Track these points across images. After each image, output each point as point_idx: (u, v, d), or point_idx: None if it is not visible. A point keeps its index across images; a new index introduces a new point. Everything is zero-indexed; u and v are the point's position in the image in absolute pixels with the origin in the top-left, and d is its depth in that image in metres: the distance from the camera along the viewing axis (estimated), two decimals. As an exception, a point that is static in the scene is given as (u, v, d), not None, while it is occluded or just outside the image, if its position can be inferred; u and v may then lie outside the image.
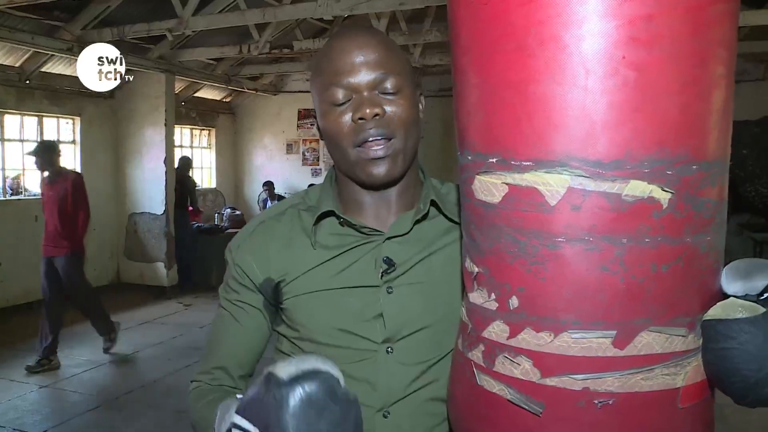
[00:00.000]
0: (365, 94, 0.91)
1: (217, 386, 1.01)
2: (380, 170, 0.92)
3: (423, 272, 0.96)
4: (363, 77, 0.91)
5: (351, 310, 0.95)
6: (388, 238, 0.96)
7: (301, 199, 1.04)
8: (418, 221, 0.97)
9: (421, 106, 0.99)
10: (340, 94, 0.91)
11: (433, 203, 0.99)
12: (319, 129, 0.98)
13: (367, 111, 0.89)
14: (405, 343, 0.94)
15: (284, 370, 0.69)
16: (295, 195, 1.08)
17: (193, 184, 8.58)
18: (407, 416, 0.94)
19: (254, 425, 0.69)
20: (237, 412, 0.72)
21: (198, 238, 8.33)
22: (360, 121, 0.90)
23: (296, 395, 0.67)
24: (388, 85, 0.91)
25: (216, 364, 1.03)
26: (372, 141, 0.90)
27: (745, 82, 7.62)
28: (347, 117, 0.91)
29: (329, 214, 0.98)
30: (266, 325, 1.02)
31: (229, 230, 8.51)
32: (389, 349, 0.94)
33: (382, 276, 0.95)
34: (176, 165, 8.19)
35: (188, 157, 8.82)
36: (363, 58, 0.91)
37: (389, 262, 0.95)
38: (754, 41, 7.00)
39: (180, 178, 8.15)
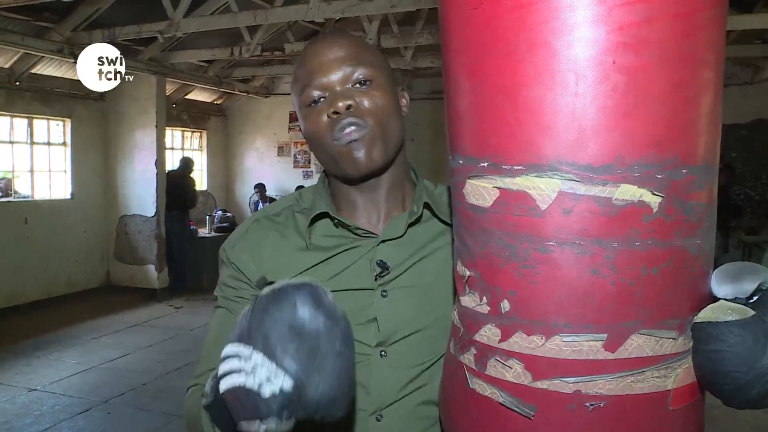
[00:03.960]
0: (338, 89, 0.93)
1: None
2: (359, 154, 0.92)
3: (417, 275, 0.96)
4: (334, 74, 0.93)
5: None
6: (383, 241, 0.96)
7: (295, 201, 1.04)
8: (411, 224, 0.97)
9: (404, 101, 1.01)
10: (315, 94, 0.94)
11: (426, 206, 0.99)
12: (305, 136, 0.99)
13: (340, 104, 0.91)
14: (398, 346, 0.94)
15: (272, 286, 0.70)
16: (288, 197, 1.08)
17: (193, 183, 8.53)
18: (400, 419, 0.94)
19: (239, 340, 0.69)
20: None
21: (193, 240, 8.28)
22: (335, 115, 0.92)
23: (283, 299, 0.67)
24: (359, 75, 0.93)
25: (212, 365, 1.00)
26: (347, 127, 0.91)
27: (733, 85, 7.68)
28: (324, 115, 0.93)
29: (323, 215, 0.98)
30: None
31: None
32: (383, 352, 0.94)
33: (376, 279, 0.94)
34: (177, 165, 8.11)
35: (189, 158, 8.71)
36: (332, 56, 0.94)
37: (383, 266, 0.95)
38: (742, 45, 7.07)
39: (179, 179, 8.11)
